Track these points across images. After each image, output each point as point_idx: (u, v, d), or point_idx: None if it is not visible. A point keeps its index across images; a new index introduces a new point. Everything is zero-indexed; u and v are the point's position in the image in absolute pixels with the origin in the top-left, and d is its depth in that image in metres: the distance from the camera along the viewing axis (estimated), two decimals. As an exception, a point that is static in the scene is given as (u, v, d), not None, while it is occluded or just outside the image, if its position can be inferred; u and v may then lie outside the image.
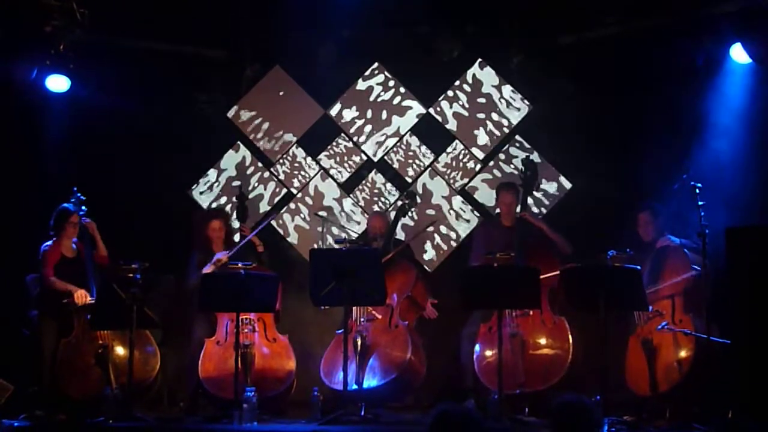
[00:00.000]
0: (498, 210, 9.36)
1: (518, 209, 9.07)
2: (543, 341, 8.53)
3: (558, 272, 8.19)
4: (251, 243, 9.16)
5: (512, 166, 10.14)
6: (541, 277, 8.11)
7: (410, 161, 10.40)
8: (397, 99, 10.48)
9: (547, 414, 6.98)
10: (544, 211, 9.98)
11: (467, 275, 8.23)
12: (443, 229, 10.27)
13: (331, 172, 10.46)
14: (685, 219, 8.42)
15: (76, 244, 8.90)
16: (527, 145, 10.22)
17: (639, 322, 8.38)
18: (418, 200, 9.86)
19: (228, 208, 10.07)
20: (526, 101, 10.31)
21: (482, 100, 10.38)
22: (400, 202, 9.73)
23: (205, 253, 9.14)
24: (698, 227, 7.94)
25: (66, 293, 8.60)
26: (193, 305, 8.80)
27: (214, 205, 10.32)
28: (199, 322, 8.88)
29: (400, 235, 9.80)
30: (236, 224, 9.41)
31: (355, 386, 8.30)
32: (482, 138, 10.34)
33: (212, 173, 10.48)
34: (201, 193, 10.45)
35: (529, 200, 9.21)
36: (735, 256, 6.67)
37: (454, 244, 10.23)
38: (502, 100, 10.35)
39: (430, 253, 10.21)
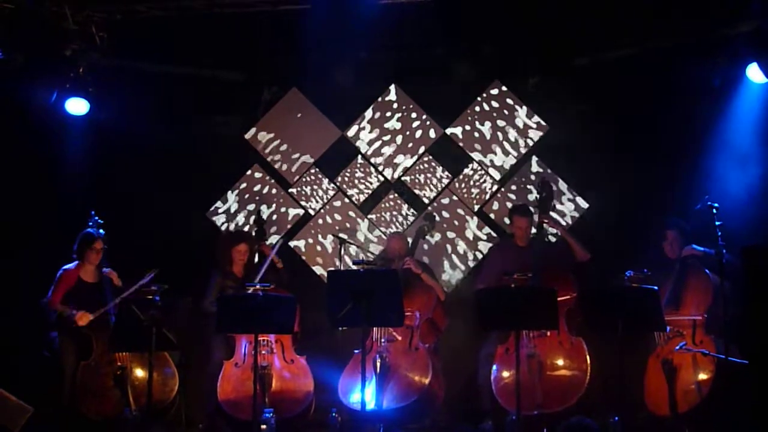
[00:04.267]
0: (512, 231, 9.37)
1: (533, 231, 9.10)
2: (560, 362, 8.49)
3: (575, 294, 8.21)
4: (271, 261, 9.23)
5: (529, 186, 10.15)
6: (559, 299, 8.13)
7: (427, 182, 10.42)
8: (414, 120, 10.51)
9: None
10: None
11: (484, 296, 8.18)
12: (460, 249, 10.27)
13: (349, 193, 10.48)
14: (708, 239, 8.40)
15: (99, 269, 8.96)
16: (544, 166, 10.23)
17: (659, 342, 8.36)
18: (437, 221, 9.89)
19: (246, 229, 10.09)
20: (542, 122, 10.32)
21: (499, 121, 10.40)
22: (419, 224, 9.74)
23: (224, 274, 9.19)
24: (717, 247, 7.95)
25: (68, 316, 8.66)
26: (209, 326, 8.84)
27: (232, 227, 10.36)
28: (217, 344, 8.91)
29: (420, 256, 9.80)
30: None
31: (374, 407, 8.30)
32: (499, 159, 10.35)
33: (230, 195, 10.52)
34: (219, 214, 10.49)
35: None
36: (752, 274, 6.65)
37: (471, 264, 10.23)
38: (519, 121, 10.37)
39: (447, 274, 10.21)
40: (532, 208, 9.25)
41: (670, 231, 8.69)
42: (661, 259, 8.64)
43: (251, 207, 10.37)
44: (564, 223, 9.93)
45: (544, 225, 9.03)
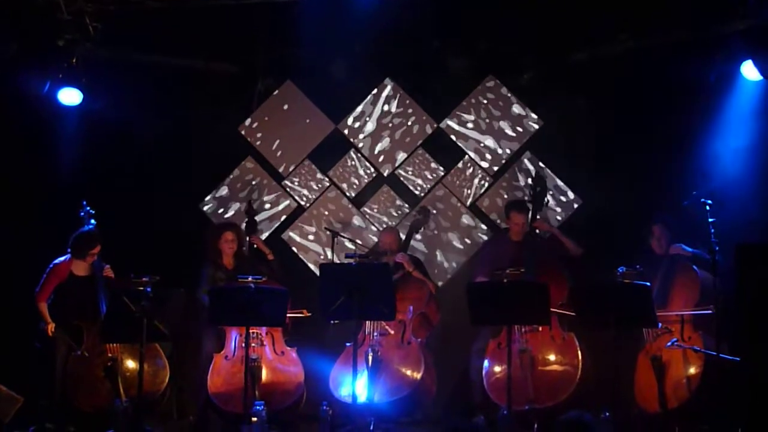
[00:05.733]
0: (507, 226, 9.36)
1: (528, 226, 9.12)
2: (552, 357, 8.51)
3: (572, 313, 8.20)
4: (261, 252, 9.19)
5: (522, 181, 10.15)
6: (553, 310, 8.14)
7: (421, 176, 10.41)
8: (408, 114, 10.49)
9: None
10: (555, 224, 9.97)
11: (476, 291, 8.18)
12: (453, 243, 10.27)
13: (342, 186, 10.47)
14: (696, 235, 8.41)
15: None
16: (538, 161, 10.22)
17: (648, 338, 8.37)
18: (431, 215, 9.90)
19: (238, 221, 10.07)
20: (537, 117, 10.31)
21: (493, 115, 10.39)
22: (413, 218, 9.74)
23: (215, 266, 9.17)
24: (709, 244, 7.95)
25: (43, 321, 8.66)
26: (202, 319, 8.82)
27: (223, 218, 10.33)
28: (208, 337, 8.90)
29: (413, 250, 9.80)
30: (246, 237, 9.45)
31: (365, 400, 8.30)
32: (493, 153, 10.34)
33: (223, 187, 10.50)
34: (212, 206, 10.47)
35: (539, 216, 9.22)
36: (745, 272, 6.66)
37: (464, 258, 10.22)
38: (513, 116, 10.36)
39: (439, 267, 10.20)
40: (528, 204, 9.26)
41: (655, 227, 8.70)
42: (650, 255, 8.64)
43: (243, 199, 10.33)
44: (556, 219, 9.95)
45: (537, 231, 9.08)
